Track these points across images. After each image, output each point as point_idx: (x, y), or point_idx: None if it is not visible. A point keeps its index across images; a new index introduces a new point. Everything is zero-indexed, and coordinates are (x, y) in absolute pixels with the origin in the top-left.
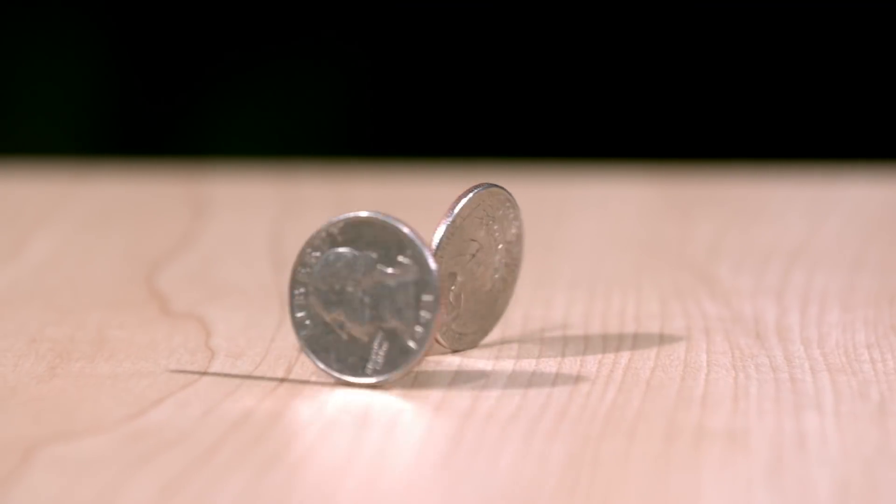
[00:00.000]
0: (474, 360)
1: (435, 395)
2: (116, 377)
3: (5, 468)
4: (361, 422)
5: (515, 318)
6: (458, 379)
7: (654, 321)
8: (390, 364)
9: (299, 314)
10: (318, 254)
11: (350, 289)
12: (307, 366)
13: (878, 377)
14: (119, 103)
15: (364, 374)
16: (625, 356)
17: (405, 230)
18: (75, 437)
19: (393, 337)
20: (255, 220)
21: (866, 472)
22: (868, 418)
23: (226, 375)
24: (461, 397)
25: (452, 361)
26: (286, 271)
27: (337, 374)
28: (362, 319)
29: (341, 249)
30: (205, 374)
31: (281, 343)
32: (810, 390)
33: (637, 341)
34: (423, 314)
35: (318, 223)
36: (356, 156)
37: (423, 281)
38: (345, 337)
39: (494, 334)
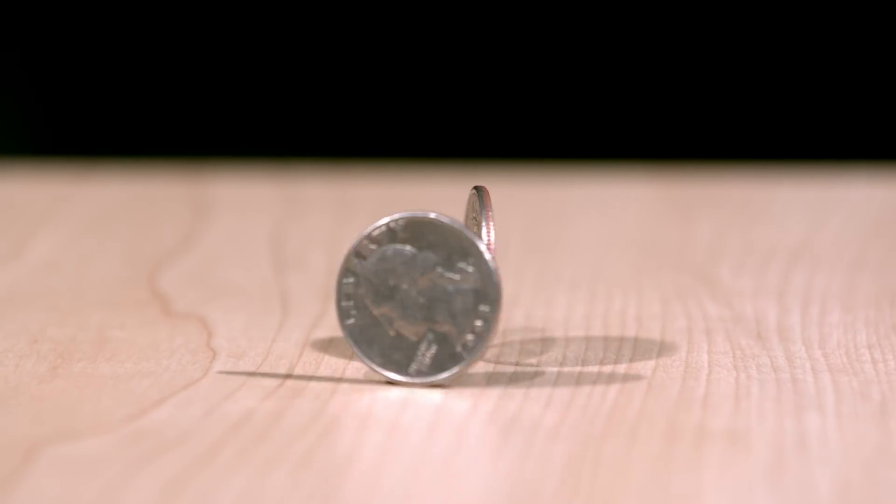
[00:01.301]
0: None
1: (436, 395)
2: (118, 377)
3: (7, 468)
4: (362, 422)
5: (517, 318)
6: (459, 379)
7: (656, 322)
8: (436, 367)
9: (346, 303)
10: (374, 246)
11: (405, 286)
12: (308, 366)
13: (880, 377)
14: (119, 102)
15: (407, 374)
16: (626, 357)
17: (471, 238)
18: (77, 438)
19: (443, 341)
20: (256, 221)
21: (867, 473)
22: (869, 419)
23: (227, 375)
24: (462, 398)
25: None
26: (287, 272)
27: (378, 369)
28: (414, 319)
29: (401, 246)
30: (206, 374)
31: (282, 343)
32: (811, 391)
33: (638, 342)
34: (478, 323)
35: (318, 223)
36: (356, 156)
37: (483, 291)
38: (392, 333)
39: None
